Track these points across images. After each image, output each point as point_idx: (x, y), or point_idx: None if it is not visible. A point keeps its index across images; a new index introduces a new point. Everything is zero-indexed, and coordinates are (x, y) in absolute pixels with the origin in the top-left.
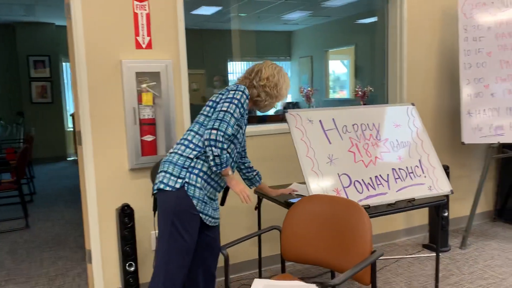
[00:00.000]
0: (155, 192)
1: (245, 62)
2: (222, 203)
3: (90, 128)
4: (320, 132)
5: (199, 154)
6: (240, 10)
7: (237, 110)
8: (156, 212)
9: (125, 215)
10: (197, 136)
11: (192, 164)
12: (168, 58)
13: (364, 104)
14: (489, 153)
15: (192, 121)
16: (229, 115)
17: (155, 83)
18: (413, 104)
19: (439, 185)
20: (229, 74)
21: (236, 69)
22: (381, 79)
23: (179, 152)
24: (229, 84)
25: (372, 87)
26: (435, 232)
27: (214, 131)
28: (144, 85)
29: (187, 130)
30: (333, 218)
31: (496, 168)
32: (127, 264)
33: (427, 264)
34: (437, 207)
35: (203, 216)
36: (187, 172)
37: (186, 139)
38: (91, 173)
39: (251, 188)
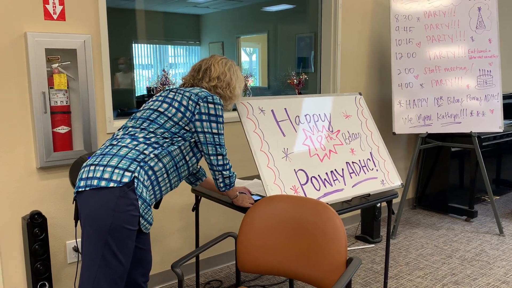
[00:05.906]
0: (82, 189)
1: (151, 45)
2: (157, 206)
3: None
4: (273, 123)
5: (157, 152)
6: None
7: (222, 126)
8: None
9: (36, 225)
10: (151, 134)
11: (146, 159)
12: (85, 32)
13: (299, 93)
14: (418, 143)
15: (115, 110)
16: (222, 136)
17: (69, 62)
18: (360, 94)
19: (391, 179)
20: (134, 58)
21: (141, 52)
22: (294, 68)
23: (130, 145)
24: (135, 68)
25: (286, 75)
26: (369, 223)
27: (219, 157)
28: (55, 65)
29: (133, 127)
30: (299, 222)
31: (418, 157)
32: (38, 285)
33: (364, 257)
34: (389, 201)
35: (142, 221)
36: (138, 166)
37: (142, 136)
38: None
39: (195, 186)
